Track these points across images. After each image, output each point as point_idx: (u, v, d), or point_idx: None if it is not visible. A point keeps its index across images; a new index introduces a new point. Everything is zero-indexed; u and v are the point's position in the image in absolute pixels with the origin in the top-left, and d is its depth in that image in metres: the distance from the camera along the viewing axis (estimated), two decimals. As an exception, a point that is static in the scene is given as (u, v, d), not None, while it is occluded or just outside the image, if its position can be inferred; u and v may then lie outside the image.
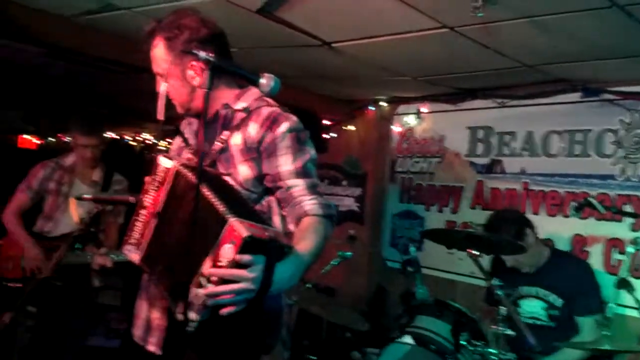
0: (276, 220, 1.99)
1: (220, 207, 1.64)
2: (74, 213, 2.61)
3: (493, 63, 3.97)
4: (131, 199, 2.39)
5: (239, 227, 1.57)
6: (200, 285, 1.62)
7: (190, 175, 1.80)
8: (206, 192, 1.70)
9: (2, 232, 3.87)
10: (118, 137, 8.42)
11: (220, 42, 2.00)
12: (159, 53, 1.99)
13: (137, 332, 2.09)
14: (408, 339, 3.09)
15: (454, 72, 4.36)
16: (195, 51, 1.80)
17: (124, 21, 3.64)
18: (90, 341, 4.87)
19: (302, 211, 1.88)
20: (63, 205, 3.79)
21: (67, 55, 4.45)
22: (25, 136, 8.33)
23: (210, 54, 1.77)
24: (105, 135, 3.96)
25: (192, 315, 1.64)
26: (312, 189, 1.93)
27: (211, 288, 1.59)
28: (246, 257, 1.57)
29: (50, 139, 8.20)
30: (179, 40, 1.93)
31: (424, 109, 5.38)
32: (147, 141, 8.32)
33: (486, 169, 4.89)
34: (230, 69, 1.89)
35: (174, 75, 1.98)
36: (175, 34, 1.94)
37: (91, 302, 3.97)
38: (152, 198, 1.90)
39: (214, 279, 1.59)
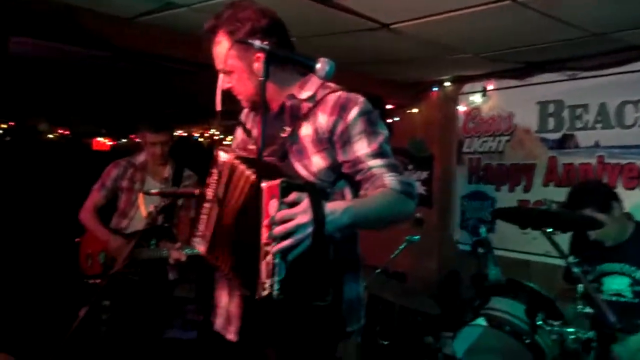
0: None
1: (259, 180, 1.68)
2: (142, 208, 2.68)
3: (560, 34, 3.83)
4: (196, 191, 2.44)
5: (271, 182, 1.63)
6: (266, 254, 1.65)
7: (243, 167, 1.82)
8: (253, 177, 1.74)
9: (80, 231, 4.02)
10: (186, 135, 8.61)
11: (281, 31, 1.99)
12: (223, 49, 1.95)
13: (218, 320, 2.11)
14: (481, 322, 3.04)
15: (520, 46, 4.22)
16: (250, 41, 1.80)
17: (185, 19, 3.70)
18: (168, 333, 5.02)
19: (381, 184, 1.87)
20: (136, 202, 3.91)
21: (132, 56, 4.58)
22: (99, 139, 8.63)
23: (265, 43, 1.77)
24: (173, 132, 4.05)
25: (269, 280, 1.63)
26: (392, 167, 1.90)
27: (276, 246, 1.62)
28: (291, 196, 1.62)
29: (122, 140, 8.47)
30: (241, 33, 1.90)
31: (490, 86, 5.25)
32: (214, 137, 8.47)
33: (558, 144, 4.74)
34: (285, 56, 1.88)
35: (240, 69, 1.96)
36: (237, 27, 1.92)
37: (167, 295, 4.08)
38: (213, 191, 1.94)
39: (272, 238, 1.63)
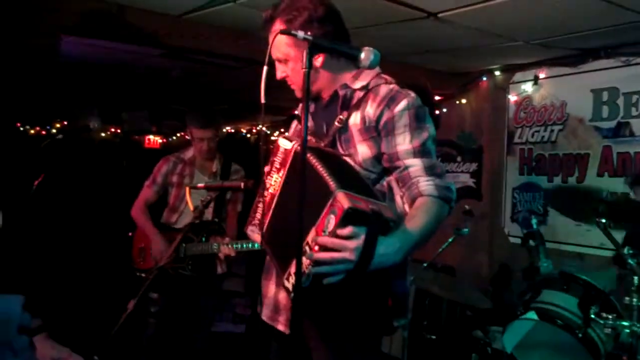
0: (398, 200, 1.96)
1: (329, 180, 1.65)
2: (189, 202, 2.71)
3: (614, 18, 3.70)
4: (242, 184, 2.47)
5: (342, 199, 1.59)
6: (304, 253, 1.65)
7: (307, 155, 1.81)
8: (320, 168, 1.71)
9: (132, 226, 4.11)
10: (234, 131, 8.71)
11: (337, 20, 1.98)
12: (280, 38, 1.91)
13: (266, 311, 2.13)
14: (532, 315, 2.97)
15: (572, 32, 4.10)
16: (293, 32, 1.79)
17: (231, 14, 3.74)
18: (218, 327, 5.09)
19: (417, 191, 1.85)
20: (185, 197, 3.97)
21: (182, 53, 4.65)
22: (150, 137, 8.81)
23: (309, 33, 1.76)
24: (220, 127, 4.09)
25: (294, 280, 1.65)
26: (430, 170, 1.88)
27: (312, 255, 1.62)
28: (347, 229, 1.58)
29: (173, 137, 8.63)
30: (298, 22, 1.90)
31: (541, 74, 5.12)
32: (261, 132, 8.53)
33: (613, 133, 4.58)
34: (329, 46, 1.86)
35: (296, 59, 1.95)
36: (294, 15, 1.91)
37: (217, 289, 4.13)
38: (273, 179, 1.94)
39: (316, 248, 1.62)
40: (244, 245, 3.50)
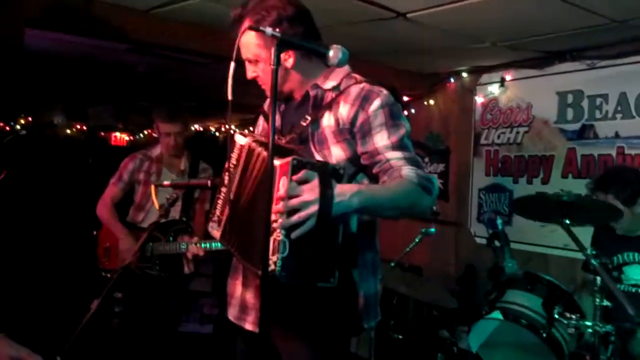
0: None
1: (272, 159, 1.66)
2: (155, 200, 2.67)
3: (580, 21, 3.76)
4: (209, 182, 2.44)
5: (283, 160, 1.64)
6: (273, 230, 1.64)
7: (260, 149, 1.81)
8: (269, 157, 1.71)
9: (98, 225, 4.04)
10: (202, 129, 8.62)
11: (308, 20, 1.97)
12: (249, 38, 1.93)
13: (233, 311, 2.11)
14: (497, 315, 3.00)
15: (539, 35, 4.15)
16: (262, 28, 1.77)
17: (200, 10, 3.69)
18: (185, 327, 5.04)
19: (398, 175, 1.85)
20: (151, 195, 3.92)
21: (149, 49, 4.59)
22: (116, 134, 8.68)
23: (277, 30, 1.75)
24: (187, 122, 4.04)
25: (274, 257, 1.63)
26: (412, 161, 1.88)
27: (281, 222, 1.62)
28: (299, 174, 1.63)
29: (139, 135, 8.51)
30: (268, 22, 1.88)
31: (508, 76, 5.18)
32: (230, 130, 8.48)
33: (577, 135, 4.66)
34: (297, 43, 1.85)
35: (266, 60, 1.93)
36: (263, 15, 1.90)
37: (183, 288, 4.08)
38: (230, 175, 1.95)
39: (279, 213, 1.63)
40: (213, 245, 3.48)
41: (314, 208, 1.62)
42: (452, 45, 4.49)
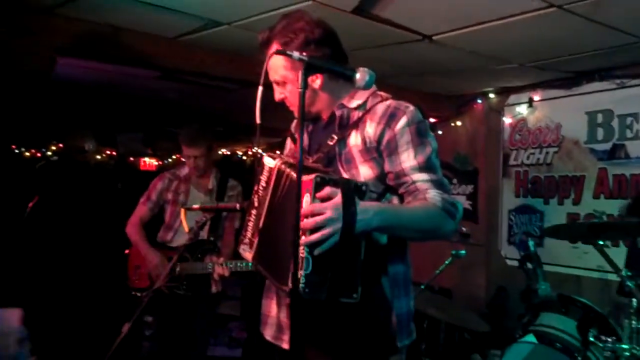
0: None
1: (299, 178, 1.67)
2: (184, 223, 2.70)
3: (608, 41, 3.72)
4: (237, 205, 2.45)
5: (307, 177, 1.65)
6: (298, 249, 1.64)
7: (289, 171, 1.80)
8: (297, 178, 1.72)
9: (128, 245, 4.07)
10: (230, 153, 8.69)
11: (334, 42, 1.98)
12: (276, 60, 1.93)
13: (269, 331, 2.10)
14: (531, 338, 2.94)
15: (566, 55, 4.12)
16: (289, 52, 1.78)
17: (228, 36, 3.74)
18: (214, 351, 5.03)
19: (422, 197, 1.84)
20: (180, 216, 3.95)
21: (177, 76, 4.65)
22: (146, 159, 8.78)
23: (304, 54, 1.76)
24: (211, 145, 4.09)
25: (299, 273, 1.63)
26: (438, 185, 1.87)
27: (305, 239, 1.63)
28: (322, 192, 1.64)
29: (167, 160, 8.61)
30: (295, 44, 1.89)
31: (536, 96, 5.14)
32: (257, 154, 8.51)
33: (608, 155, 4.59)
34: (325, 67, 1.85)
35: (292, 80, 1.95)
36: (290, 38, 1.91)
37: (212, 311, 4.08)
38: (260, 197, 1.94)
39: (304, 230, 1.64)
40: (239, 265, 3.49)
41: (337, 225, 1.63)
42: (478, 67, 4.48)
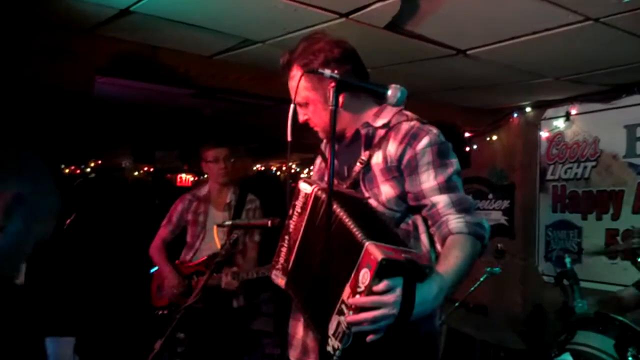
0: (424, 239, 1.93)
1: (357, 232, 1.62)
2: (217, 240, 2.74)
3: (645, 53, 3.65)
4: (269, 223, 2.47)
5: (374, 251, 1.54)
6: (341, 312, 1.61)
7: (335, 204, 1.76)
8: (343, 216, 1.69)
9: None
10: (264, 169, 8.75)
11: (355, 60, 1.99)
12: (300, 82, 1.93)
13: (294, 352, 2.08)
14: (568, 357, 2.89)
15: (603, 68, 4.07)
16: (320, 70, 1.80)
17: (262, 54, 3.79)
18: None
19: (447, 230, 1.81)
20: (202, 234, 4.03)
21: (213, 93, 4.73)
22: (182, 175, 8.90)
23: (336, 72, 1.77)
24: (235, 148, 4.15)
25: (335, 342, 1.61)
26: (458, 205, 1.84)
27: (351, 317, 1.57)
28: (382, 284, 1.55)
29: (203, 176, 8.70)
30: (315, 65, 1.90)
31: (573, 110, 5.08)
32: (291, 170, 8.57)
33: (648, 169, 4.49)
34: (355, 84, 1.86)
35: (315, 102, 1.97)
36: (310, 59, 1.93)
37: (241, 327, 4.11)
38: (294, 223, 1.93)
39: (352, 309, 1.58)
40: (245, 276, 3.51)
41: (388, 322, 1.58)
42: (514, 81, 4.44)
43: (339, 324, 1.61)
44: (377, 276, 1.54)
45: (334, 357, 1.61)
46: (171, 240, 4.15)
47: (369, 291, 1.55)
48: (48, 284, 4.51)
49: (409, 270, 1.59)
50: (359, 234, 1.62)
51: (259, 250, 4.04)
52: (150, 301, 4.08)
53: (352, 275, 1.60)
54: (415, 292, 1.60)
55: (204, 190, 4.15)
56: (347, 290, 1.61)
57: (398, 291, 1.57)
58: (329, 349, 1.62)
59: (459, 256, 1.76)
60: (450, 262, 1.75)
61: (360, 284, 1.57)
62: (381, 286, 1.55)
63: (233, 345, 3.96)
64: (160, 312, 3.95)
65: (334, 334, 1.61)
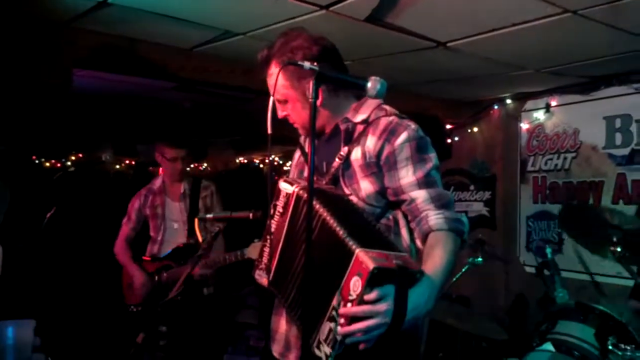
0: (404, 234, 1.94)
1: (344, 237, 1.61)
2: (198, 233, 2.74)
3: (625, 45, 3.68)
4: (250, 215, 2.47)
5: (365, 259, 1.53)
6: (332, 319, 1.60)
7: (317, 204, 1.76)
8: (327, 217, 1.69)
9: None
10: (246, 161, 8.72)
11: (334, 57, 1.99)
12: (277, 80, 1.94)
13: (277, 347, 2.09)
14: (549, 347, 2.91)
15: (583, 60, 4.08)
16: (300, 62, 1.79)
17: (243, 46, 3.76)
18: (231, 359, 5.04)
19: (427, 227, 1.82)
20: (162, 226, 4.04)
21: (193, 86, 4.69)
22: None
23: (314, 64, 1.76)
24: (191, 149, 4.17)
25: (327, 349, 1.61)
26: (438, 201, 1.85)
27: (344, 328, 1.56)
28: (374, 293, 1.54)
29: (188, 168, 8.65)
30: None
31: (553, 102, 5.10)
32: (275, 163, 8.55)
33: (627, 160, 4.54)
34: (334, 77, 1.84)
35: (294, 100, 1.97)
36: (289, 56, 1.92)
37: (227, 319, 4.12)
38: (276, 224, 1.92)
39: (343, 319, 1.57)
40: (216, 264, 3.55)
41: (381, 330, 1.57)
42: (494, 73, 4.46)
43: (330, 330, 1.60)
44: (369, 285, 1.52)
45: None
46: (134, 237, 4.20)
47: (360, 300, 1.54)
48: (25, 273, 4.48)
49: (400, 277, 1.58)
50: (348, 241, 1.60)
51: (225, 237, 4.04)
52: (124, 299, 4.07)
53: (343, 282, 1.59)
54: (407, 299, 1.59)
55: (157, 183, 4.17)
56: (337, 297, 1.60)
57: (390, 299, 1.56)
58: (321, 354, 1.62)
59: (444, 255, 1.77)
60: (436, 262, 1.75)
61: (352, 292, 1.55)
62: (373, 295, 1.54)
63: (216, 337, 3.96)
64: (134, 309, 3.95)
65: (325, 340, 1.61)
